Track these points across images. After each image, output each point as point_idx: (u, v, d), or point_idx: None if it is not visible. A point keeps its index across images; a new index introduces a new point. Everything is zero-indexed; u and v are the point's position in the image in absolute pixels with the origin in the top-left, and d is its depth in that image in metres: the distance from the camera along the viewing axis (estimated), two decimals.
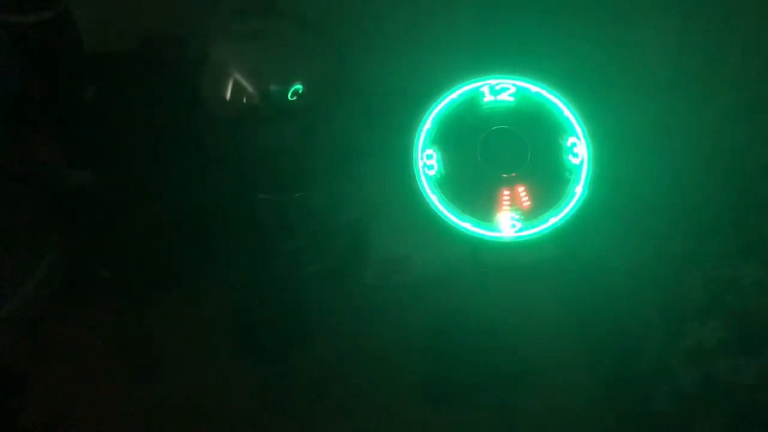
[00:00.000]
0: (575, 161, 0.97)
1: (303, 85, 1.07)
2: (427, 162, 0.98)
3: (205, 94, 1.11)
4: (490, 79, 0.99)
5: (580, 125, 0.97)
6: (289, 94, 1.08)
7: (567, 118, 0.97)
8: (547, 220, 0.96)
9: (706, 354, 1.31)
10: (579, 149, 0.97)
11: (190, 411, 1.19)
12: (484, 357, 1.23)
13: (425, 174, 0.98)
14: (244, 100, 1.07)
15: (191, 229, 1.33)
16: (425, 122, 0.98)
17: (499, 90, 0.98)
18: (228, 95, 1.07)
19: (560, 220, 0.96)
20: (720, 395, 1.28)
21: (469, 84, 0.99)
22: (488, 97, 0.99)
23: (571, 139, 0.97)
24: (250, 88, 1.07)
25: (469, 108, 0.98)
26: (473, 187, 0.97)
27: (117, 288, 1.32)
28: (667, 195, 1.31)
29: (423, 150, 0.98)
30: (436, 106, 0.98)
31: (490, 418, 1.20)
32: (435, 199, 0.97)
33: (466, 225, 0.97)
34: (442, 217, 0.96)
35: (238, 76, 1.05)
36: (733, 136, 1.34)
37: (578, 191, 0.96)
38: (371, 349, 1.26)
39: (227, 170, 1.28)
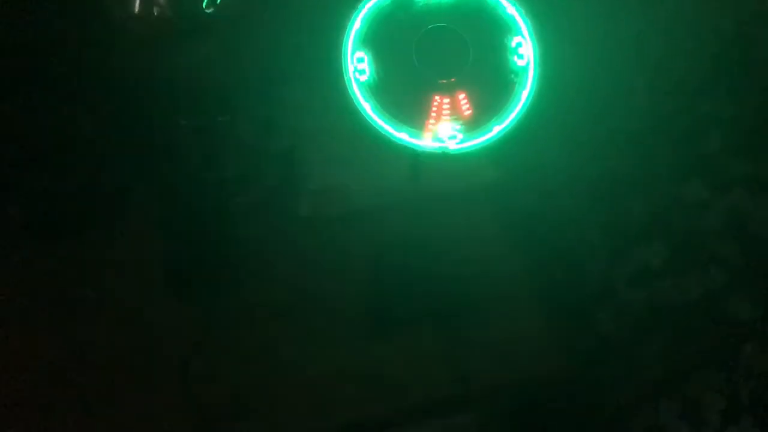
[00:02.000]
0: (521, 63, 0.89)
1: None
2: (358, 66, 0.89)
3: (110, 8, 1.00)
4: None
5: (525, 23, 0.89)
6: (205, 4, 0.98)
7: (511, 16, 0.89)
8: (490, 129, 0.89)
9: (650, 274, 1.29)
10: (525, 50, 0.89)
11: (115, 357, 1.10)
12: (427, 288, 1.17)
13: (356, 79, 0.89)
14: (155, 13, 0.97)
15: (106, 161, 1.22)
16: (354, 22, 0.89)
17: None
18: (136, 7, 0.97)
19: (505, 128, 0.88)
20: (665, 314, 1.26)
21: None
22: None
23: (516, 39, 0.89)
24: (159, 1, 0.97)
25: (403, 5, 0.89)
26: (409, 93, 0.89)
27: (29, 227, 1.21)
28: (614, 108, 1.26)
29: (353, 52, 0.89)
30: (365, 3, 0.89)
31: (434, 349, 1.15)
32: (368, 108, 0.89)
33: (402, 136, 0.89)
34: (377, 127, 0.88)
35: None
36: (678, 51, 1.30)
37: (524, 95, 0.88)
38: (308, 286, 1.19)
39: (143, 95, 1.17)
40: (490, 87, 0.89)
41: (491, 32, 0.90)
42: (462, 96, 0.89)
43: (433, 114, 0.89)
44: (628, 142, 1.28)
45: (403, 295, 1.18)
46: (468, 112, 0.89)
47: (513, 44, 0.89)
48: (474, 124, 0.89)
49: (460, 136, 0.89)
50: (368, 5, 0.89)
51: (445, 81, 0.89)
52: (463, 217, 1.21)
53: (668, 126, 1.33)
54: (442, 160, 0.90)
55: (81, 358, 1.11)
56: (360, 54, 0.89)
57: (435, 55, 0.89)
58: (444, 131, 0.89)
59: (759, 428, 1.15)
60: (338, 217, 1.23)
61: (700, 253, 1.27)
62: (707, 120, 1.33)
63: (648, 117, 1.29)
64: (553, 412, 1.17)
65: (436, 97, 0.89)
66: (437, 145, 0.89)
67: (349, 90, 0.89)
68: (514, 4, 0.89)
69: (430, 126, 0.89)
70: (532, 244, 1.24)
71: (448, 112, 0.89)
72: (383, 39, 0.89)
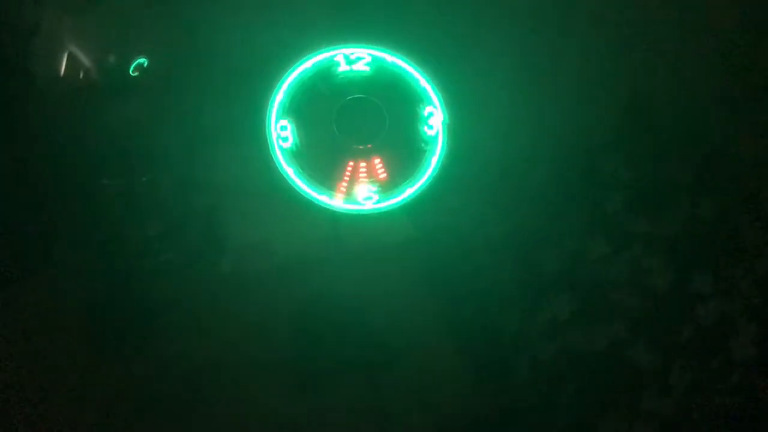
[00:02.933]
0: (431, 132, 0.96)
1: (147, 59, 1.01)
2: (281, 133, 0.94)
3: (35, 69, 1.02)
4: (344, 48, 0.96)
5: (436, 94, 0.96)
6: (131, 69, 1.01)
7: (424, 88, 0.97)
8: (403, 191, 0.95)
9: (559, 326, 1.36)
10: (435, 119, 0.96)
11: (37, 411, 1.10)
12: (349, 340, 1.21)
13: (280, 146, 0.94)
14: (81, 75, 0.99)
15: (30, 220, 1.22)
16: (278, 92, 0.95)
17: (354, 59, 0.96)
18: (62, 69, 0.99)
19: (416, 190, 0.95)
20: (574, 363, 1.33)
21: (323, 53, 0.96)
22: (344, 67, 0.96)
23: (428, 108, 0.97)
24: (86, 62, 0.99)
25: (324, 77, 0.96)
26: (330, 159, 0.94)
27: None
28: (521, 171, 1.34)
29: (277, 121, 0.94)
30: (288, 76, 0.94)
31: (357, 400, 1.19)
32: (291, 172, 0.94)
33: (323, 198, 0.94)
34: (298, 190, 0.93)
35: (73, 48, 0.97)
36: (582, 114, 1.39)
37: (434, 161, 0.95)
38: (232, 340, 1.21)
39: (68, 154, 1.18)
40: (404, 153, 0.96)
41: (405, 102, 0.97)
42: (378, 161, 0.95)
43: (350, 177, 0.95)
44: (535, 201, 1.36)
45: (326, 348, 1.21)
46: (383, 176, 0.95)
47: (425, 113, 0.97)
48: (389, 186, 0.95)
49: (376, 197, 0.94)
50: (291, 76, 0.95)
51: (362, 147, 0.95)
52: (383, 274, 1.26)
53: (573, 186, 1.41)
54: (359, 220, 0.95)
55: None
56: (284, 122, 0.95)
57: (353, 123, 0.96)
58: (361, 193, 0.95)
59: None
60: (260, 274, 1.25)
61: (604, 306, 1.35)
62: (608, 181, 1.42)
63: (553, 179, 1.38)
64: None
65: (353, 163, 0.95)
66: (354, 207, 0.95)
67: (273, 156, 0.94)
68: (426, 78, 0.96)
69: (347, 189, 0.95)
70: (448, 299, 1.30)
71: (365, 175, 0.95)
72: (305, 108, 0.95)
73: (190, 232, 1.27)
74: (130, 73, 1.02)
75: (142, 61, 1.00)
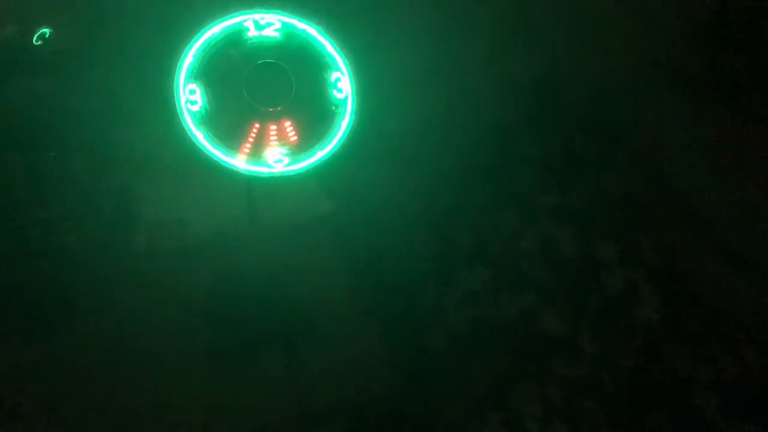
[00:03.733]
0: (340, 96, 0.97)
1: (49, 29, 0.99)
2: (190, 97, 0.94)
3: None
4: (254, 13, 0.97)
5: (343, 60, 0.98)
6: (34, 39, 0.99)
7: (331, 54, 0.98)
8: (314, 154, 0.96)
9: (473, 296, 1.39)
10: (343, 84, 0.98)
11: None
12: (266, 314, 1.21)
13: (188, 110, 0.94)
14: None
15: None
16: (186, 55, 0.94)
17: (264, 25, 0.97)
18: None
19: (327, 153, 0.96)
20: (488, 332, 1.37)
21: (232, 18, 0.96)
22: (253, 32, 0.97)
23: (335, 74, 0.98)
24: None
25: (234, 42, 0.96)
26: (239, 122, 0.95)
27: None
28: (431, 143, 1.37)
29: (185, 84, 0.94)
30: (197, 40, 0.94)
31: (275, 374, 1.19)
32: (200, 136, 0.94)
33: (233, 161, 0.94)
34: (208, 153, 0.93)
35: None
36: (491, 84, 1.43)
37: (344, 125, 0.97)
38: (149, 319, 1.19)
39: None
40: (314, 116, 0.97)
41: (313, 68, 0.98)
42: (288, 124, 0.96)
43: (260, 141, 0.95)
44: (446, 173, 1.40)
45: (242, 322, 1.21)
46: (293, 138, 0.96)
47: (333, 79, 0.98)
48: (300, 149, 0.96)
49: (287, 160, 0.95)
50: (200, 41, 0.95)
51: (271, 110, 0.95)
52: (298, 245, 1.26)
53: (483, 163, 1.45)
54: (270, 183, 0.96)
55: None
56: (192, 86, 0.94)
57: (262, 87, 0.96)
58: (272, 156, 0.95)
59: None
60: (175, 250, 1.24)
61: (516, 276, 1.39)
62: (520, 154, 1.47)
63: (465, 153, 1.41)
64: (386, 427, 1.23)
65: (261, 125, 0.95)
66: (265, 170, 0.95)
67: (181, 119, 0.93)
68: (332, 44, 0.98)
69: (258, 152, 0.95)
70: (362, 270, 1.31)
71: (276, 138, 0.95)
72: (215, 72, 0.95)
73: (100, 205, 1.25)
74: (33, 42, 0.98)
75: (45, 31, 0.98)
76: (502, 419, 1.31)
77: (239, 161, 0.94)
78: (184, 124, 0.93)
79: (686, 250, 1.43)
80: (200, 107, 0.94)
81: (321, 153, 0.96)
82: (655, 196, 1.49)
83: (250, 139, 0.94)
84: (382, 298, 1.34)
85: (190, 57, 0.95)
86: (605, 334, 1.36)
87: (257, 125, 0.95)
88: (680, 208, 1.45)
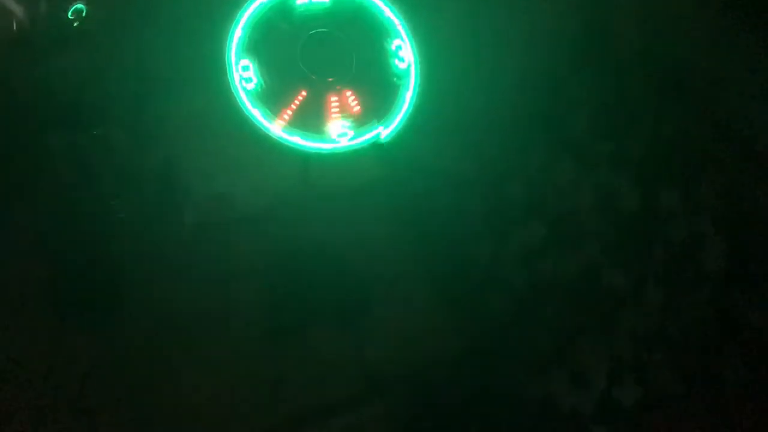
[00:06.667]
0: (402, 66, 0.92)
1: (85, 5, 0.93)
2: (243, 74, 0.88)
3: None
4: None
5: (403, 27, 0.92)
6: (69, 15, 0.94)
7: (389, 19, 0.92)
8: (376, 128, 0.91)
9: (531, 254, 1.36)
10: (405, 53, 0.92)
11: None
12: (324, 287, 1.19)
13: (243, 87, 0.88)
14: (14, 27, 0.92)
15: None
16: (235, 29, 0.88)
17: None
18: None
19: (393, 128, 0.91)
20: (546, 291, 1.33)
21: None
22: (301, 0, 0.90)
23: (396, 42, 0.92)
24: (18, 13, 0.91)
25: (283, 12, 0.90)
26: (298, 96, 0.89)
27: None
28: (488, 102, 1.31)
29: (237, 61, 0.88)
30: (244, 12, 0.88)
31: (337, 345, 1.17)
32: (258, 114, 0.89)
33: (295, 139, 0.90)
34: (269, 133, 0.88)
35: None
36: (543, 42, 1.37)
37: (408, 96, 0.91)
38: (203, 295, 1.17)
39: (9, 114, 1.11)
40: (376, 87, 0.91)
41: (371, 35, 0.92)
42: (350, 94, 0.90)
43: (324, 114, 0.90)
44: (502, 132, 1.34)
45: (300, 297, 1.18)
46: (357, 108, 0.90)
47: (393, 47, 0.92)
48: (363, 121, 0.91)
49: (351, 133, 0.90)
50: (247, 13, 0.89)
51: (332, 80, 0.90)
52: (354, 216, 1.23)
53: (538, 108, 1.39)
54: (333, 159, 0.91)
55: None
56: (245, 62, 0.89)
57: (319, 58, 0.90)
58: (334, 130, 0.90)
59: (641, 385, 1.24)
60: (226, 223, 1.21)
61: (575, 230, 1.35)
62: (571, 105, 1.41)
63: (519, 107, 1.35)
64: (452, 391, 1.21)
65: (325, 97, 0.90)
66: (329, 146, 0.90)
67: (237, 99, 0.88)
68: (391, 8, 0.91)
69: (321, 127, 0.90)
70: (420, 237, 1.28)
71: (337, 110, 0.90)
72: (267, 45, 0.89)
73: (146, 185, 1.21)
74: (69, 20, 0.93)
75: (80, 7, 0.93)
76: (568, 376, 1.28)
77: (302, 138, 0.89)
78: (240, 104, 0.88)
79: (750, 196, 1.37)
80: (256, 84, 0.89)
81: (385, 129, 0.90)
82: (716, 138, 1.42)
83: (312, 115, 0.89)
84: (440, 264, 1.30)
85: (239, 30, 0.89)
86: (671, 285, 1.32)
87: (318, 98, 0.89)
88: (742, 151, 1.39)
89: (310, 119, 0.88)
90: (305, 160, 0.94)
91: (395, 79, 0.88)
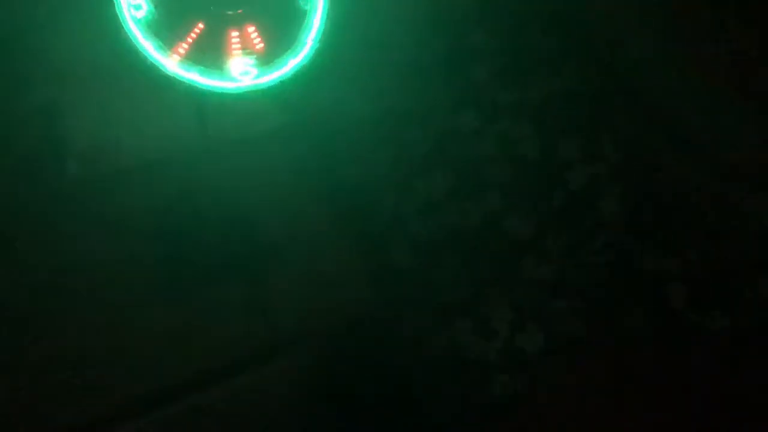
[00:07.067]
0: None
1: None
2: (132, 1, 0.80)
3: None
4: None
5: None
6: None
7: None
8: (286, 64, 0.84)
9: (435, 203, 1.34)
10: None
11: None
12: (224, 237, 1.12)
13: (132, 16, 0.79)
14: None
15: None
16: None
17: None
18: None
19: (300, 62, 0.84)
20: (451, 240, 1.33)
21: None
22: None
23: None
24: None
25: None
26: (194, 28, 0.81)
27: None
28: (393, 43, 1.27)
29: None
30: None
31: (240, 299, 1.12)
32: (150, 47, 0.80)
33: (192, 75, 0.82)
34: (161, 68, 0.80)
35: None
36: None
37: (315, 27, 0.85)
38: (87, 250, 1.09)
39: None
40: (281, 20, 0.84)
41: None
42: (252, 29, 0.83)
43: (224, 49, 0.83)
44: (406, 77, 1.31)
45: (198, 248, 1.12)
46: (260, 46, 0.83)
47: None
48: (267, 60, 0.84)
49: (255, 71, 0.83)
50: None
51: (231, 12, 0.82)
52: (254, 160, 1.17)
53: (441, 58, 1.37)
54: (234, 99, 0.84)
55: None
56: None
57: None
58: (237, 68, 0.83)
59: (543, 333, 1.26)
60: (114, 174, 1.12)
61: (477, 179, 1.34)
62: (475, 52, 1.39)
63: (423, 51, 1.32)
64: (358, 342, 1.19)
65: (225, 32, 0.82)
66: (232, 85, 0.83)
67: (125, 28, 0.79)
68: None
69: (221, 63, 0.83)
70: (324, 183, 1.24)
71: (239, 46, 0.83)
72: None
73: (25, 132, 1.10)
74: None
75: None
76: (472, 325, 1.29)
77: (200, 75, 0.82)
78: (130, 35, 0.79)
79: (647, 145, 1.41)
80: (146, 12, 0.80)
81: (294, 62, 0.84)
82: (614, 91, 1.45)
83: (211, 49, 0.81)
84: (343, 211, 1.27)
85: None
86: (572, 233, 1.34)
87: (217, 32, 0.82)
88: (640, 103, 1.42)
89: (209, 55, 0.80)
90: (203, 99, 0.86)
91: (302, 7, 0.81)
